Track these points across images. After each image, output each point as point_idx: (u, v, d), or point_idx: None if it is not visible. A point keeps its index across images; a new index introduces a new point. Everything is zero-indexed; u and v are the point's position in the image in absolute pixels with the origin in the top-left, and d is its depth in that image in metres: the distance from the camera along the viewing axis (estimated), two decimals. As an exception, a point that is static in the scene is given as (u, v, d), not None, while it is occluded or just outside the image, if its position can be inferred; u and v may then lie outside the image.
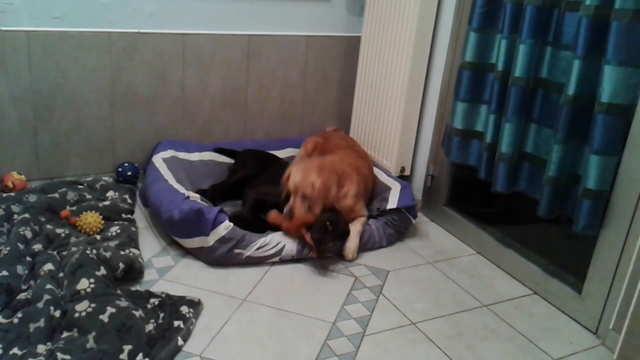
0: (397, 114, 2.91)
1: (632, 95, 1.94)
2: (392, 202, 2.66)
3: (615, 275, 2.05)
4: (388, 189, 2.78)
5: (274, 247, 2.39)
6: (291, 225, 2.41)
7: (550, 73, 2.24)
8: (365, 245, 2.57)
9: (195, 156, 2.97)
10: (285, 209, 2.46)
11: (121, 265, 2.11)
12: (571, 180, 2.19)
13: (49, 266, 2.05)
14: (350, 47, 3.30)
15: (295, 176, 2.47)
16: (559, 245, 2.64)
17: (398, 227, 2.68)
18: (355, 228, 2.55)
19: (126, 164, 2.91)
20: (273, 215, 2.47)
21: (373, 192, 2.83)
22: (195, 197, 2.46)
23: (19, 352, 1.67)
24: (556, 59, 2.21)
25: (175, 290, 2.11)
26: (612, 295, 2.07)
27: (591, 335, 2.15)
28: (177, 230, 2.39)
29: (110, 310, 1.82)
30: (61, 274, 2.02)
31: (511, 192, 2.41)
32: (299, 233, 2.39)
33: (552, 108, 2.23)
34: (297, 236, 2.42)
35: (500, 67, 2.36)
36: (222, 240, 2.30)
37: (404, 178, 2.98)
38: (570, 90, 2.07)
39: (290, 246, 2.41)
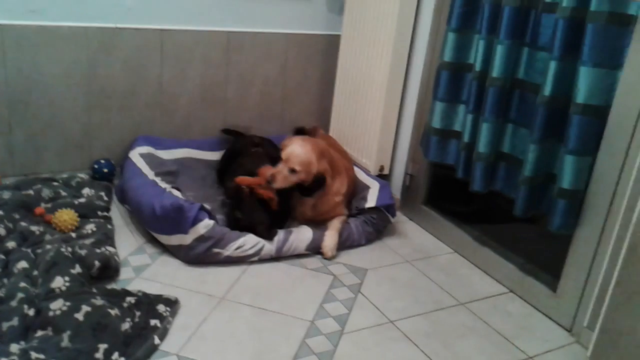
0: (376, 113, 2.92)
1: (607, 96, 1.97)
2: (371, 201, 2.67)
3: (590, 274, 2.08)
4: (367, 187, 2.79)
5: (252, 247, 2.37)
6: (253, 181, 2.45)
7: (527, 74, 2.27)
8: (344, 244, 2.58)
9: (171, 153, 2.95)
10: (270, 172, 2.45)
11: (97, 263, 2.08)
12: (547, 180, 2.22)
13: (23, 264, 2.01)
14: (330, 46, 3.30)
15: (295, 149, 2.46)
16: (534, 244, 2.67)
17: (377, 225, 2.69)
18: (334, 226, 2.56)
19: (102, 161, 2.87)
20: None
21: (354, 192, 2.84)
22: (176, 193, 2.44)
23: (-9, 352, 1.64)
24: (533, 60, 2.24)
25: (151, 289, 2.09)
26: (586, 294, 2.10)
27: (566, 333, 2.18)
28: (157, 225, 2.36)
29: (85, 308, 1.80)
30: (35, 272, 1.99)
31: (488, 191, 2.44)
32: (247, 182, 2.44)
33: (529, 108, 2.25)
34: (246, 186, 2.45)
35: (478, 67, 2.38)
36: (201, 238, 2.28)
37: (383, 177, 2.99)
38: (547, 90, 2.09)
39: (269, 246, 2.40)
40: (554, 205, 2.12)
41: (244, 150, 2.87)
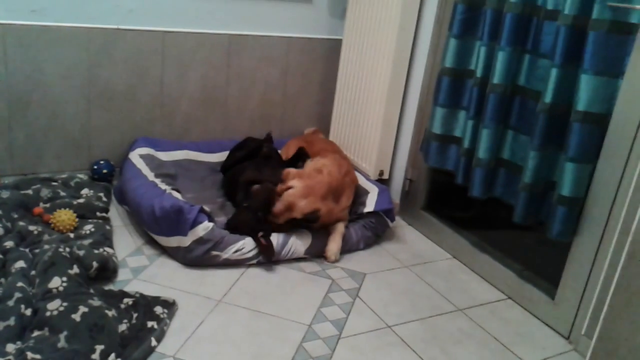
0: (376, 118, 2.92)
1: (608, 104, 1.97)
2: (370, 205, 2.67)
3: (588, 282, 2.08)
4: (366, 192, 2.78)
5: (251, 250, 2.37)
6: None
7: (528, 81, 2.27)
8: (343, 248, 2.57)
9: (171, 155, 2.95)
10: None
11: (94, 264, 2.08)
12: (546, 187, 2.22)
13: (20, 264, 2.01)
14: (331, 50, 3.30)
15: (299, 202, 2.43)
16: (533, 251, 2.67)
17: (375, 230, 2.69)
18: (338, 230, 2.56)
19: (102, 162, 2.86)
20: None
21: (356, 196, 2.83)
22: (176, 195, 2.44)
23: (-12, 351, 1.64)
24: (534, 67, 2.24)
25: (149, 290, 2.08)
26: (584, 301, 2.10)
27: (563, 340, 2.17)
28: (156, 226, 2.35)
29: (82, 309, 1.79)
30: (33, 272, 1.99)
31: (487, 198, 2.43)
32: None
33: (529, 115, 2.26)
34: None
35: (479, 73, 2.38)
36: (200, 241, 2.28)
37: (383, 181, 2.99)
38: (547, 98, 2.10)
39: (267, 248, 2.40)
40: (553, 212, 2.12)
41: (253, 155, 2.88)
